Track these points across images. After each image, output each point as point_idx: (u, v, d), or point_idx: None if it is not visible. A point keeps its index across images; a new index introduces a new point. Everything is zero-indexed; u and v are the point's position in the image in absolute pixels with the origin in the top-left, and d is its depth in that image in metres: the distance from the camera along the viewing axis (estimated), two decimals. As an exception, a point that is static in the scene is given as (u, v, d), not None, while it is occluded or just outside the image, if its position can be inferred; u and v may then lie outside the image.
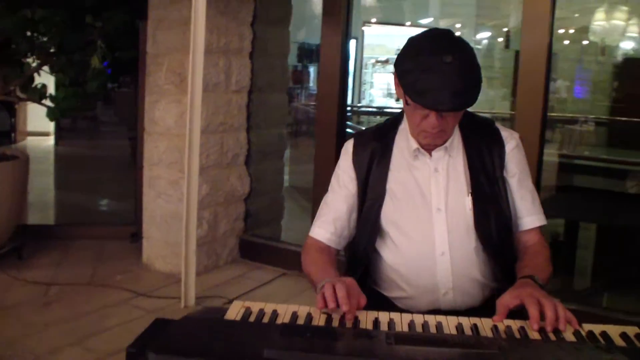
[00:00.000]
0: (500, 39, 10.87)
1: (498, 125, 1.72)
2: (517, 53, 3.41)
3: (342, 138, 3.80)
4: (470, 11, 10.48)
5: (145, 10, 3.82)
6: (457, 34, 1.61)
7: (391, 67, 11.82)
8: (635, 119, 6.36)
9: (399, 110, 1.75)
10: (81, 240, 4.41)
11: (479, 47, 11.28)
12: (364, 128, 1.94)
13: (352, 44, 9.48)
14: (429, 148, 1.63)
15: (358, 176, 1.70)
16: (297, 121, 9.44)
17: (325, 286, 1.36)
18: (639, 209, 3.98)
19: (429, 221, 1.61)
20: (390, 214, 1.65)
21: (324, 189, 1.79)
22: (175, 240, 3.69)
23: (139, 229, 4.14)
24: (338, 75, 3.78)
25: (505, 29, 10.62)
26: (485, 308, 1.57)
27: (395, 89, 1.60)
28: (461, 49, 1.48)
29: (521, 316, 1.31)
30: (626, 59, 8.03)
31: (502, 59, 9.98)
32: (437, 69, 1.44)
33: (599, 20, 7.78)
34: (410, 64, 1.49)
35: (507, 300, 1.35)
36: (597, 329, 1.26)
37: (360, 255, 1.70)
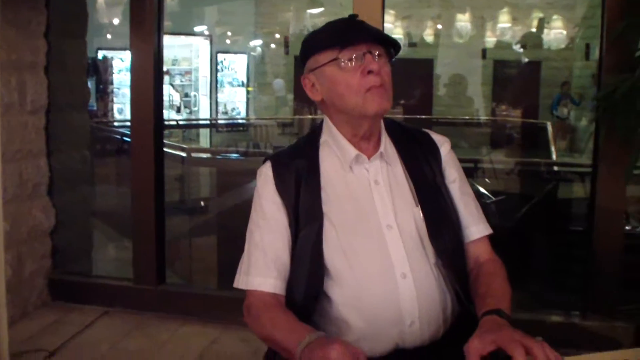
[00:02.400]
0: (274, 45, 11.15)
1: (427, 130, 1.63)
2: (296, 58, 3.48)
3: (160, 156, 3.54)
4: (246, 20, 10.61)
5: None
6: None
7: (168, 79, 11.61)
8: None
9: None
10: None
11: (254, 53, 11.47)
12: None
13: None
14: (376, 120, 1.48)
15: (286, 203, 1.45)
16: (100, 140, 8.70)
17: (330, 350, 1.12)
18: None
19: (381, 241, 1.42)
20: (333, 242, 1.41)
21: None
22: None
23: None
24: (152, 90, 3.49)
25: (278, 36, 10.90)
26: (450, 342, 1.38)
27: (312, 94, 1.50)
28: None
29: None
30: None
31: (282, 65, 10.27)
32: (345, 20, 1.44)
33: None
34: (317, 38, 1.46)
35: (478, 346, 1.16)
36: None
37: (299, 301, 1.42)
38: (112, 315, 3.49)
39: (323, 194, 1.46)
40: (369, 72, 1.40)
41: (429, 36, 10.14)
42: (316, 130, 1.57)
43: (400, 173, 1.51)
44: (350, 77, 1.41)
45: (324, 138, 1.53)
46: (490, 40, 10.80)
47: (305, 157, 1.50)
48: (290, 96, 10.71)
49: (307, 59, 1.48)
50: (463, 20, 10.15)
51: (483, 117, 10.77)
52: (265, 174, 1.50)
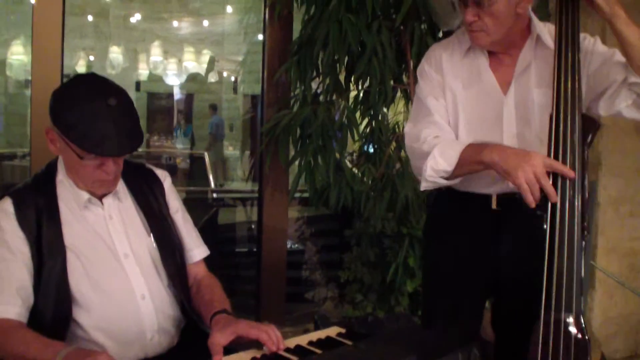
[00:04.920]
0: None
1: (150, 166, 1.80)
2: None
3: None
4: None
5: None
6: None
7: None
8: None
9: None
10: None
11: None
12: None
13: None
14: (101, 196, 1.61)
15: (28, 236, 1.54)
16: None
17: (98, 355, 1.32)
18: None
19: (121, 268, 1.61)
20: (78, 272, 1.56)
21: None
22: None
23: None
24: None
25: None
26: (182, 347, 1.71)
27: (52, 146, 1.56)
28: (118, 89, 1.53)
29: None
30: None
31: None
32: (105, 114, 1.46)
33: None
34: (74, 117, 1.46)
35: (220, 339, 1.46)
36: (304, 340, 1.54)
37: (48, 328, 1.51)
38: None
39: (65, 229, 1.57)
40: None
41: (81, 67, 9.82)
42: (52, 168, 1.65)
43: (132, 207, 1.70)
44: (82, 165, 1.54)
45: (59, 177, 1.63)
46: (143, 72, 10.93)
47: (45, 194, 1.60)
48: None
49: (55, 122, 1.53)
50: (116, 52, 10.11)
51: (140, 149, 10.81)
52: (5, 210, 1.56)
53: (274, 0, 3.22)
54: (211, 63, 10.84)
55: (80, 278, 1.56)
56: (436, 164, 1.73)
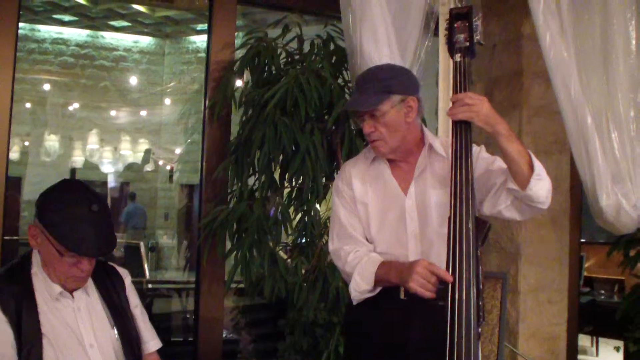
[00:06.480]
0: None
1: (112, 264, 1.98)
2: None
3: None
4: None
5: None
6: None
7: None
8: None
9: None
10: None
11: None
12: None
13: None
14: (72, 290, 1.79)
15: (10, 321, 1.69)
16: None
17: None
18: None
19: (86, 357, 1.76)
20: (50, 357, 1.70)
21: None
22: None
23: None
24: None
25: None
26: None
27: (32, 241, 1.74)
28: (99, 197, 1.76)
29: None
30: None
31: None
32: (88, 219, 1.68)
33: None
34: (59, 217, 1.67)
35: None
36: None
37: None
38: None
39: (41, 317, 1.73)
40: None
41: (15, 153, 9.77)
42: (26, 260, 1.82)
43: (97, 301, 1.87)
44: (59, 261, 1.72)
45: (34, 270, 1.80)
46: (79, 159, 10.91)
47: (21, 284, 1.76)
48: None
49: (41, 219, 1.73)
50: (52, 140, 10.13)
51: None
52: None
53: (214, 102, 3.43)
54: (147, 153, 10.95)
55: None
56: (358, 286, 2.03)
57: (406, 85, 2.05)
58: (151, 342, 1.99)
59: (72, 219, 1.66)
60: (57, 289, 1.77)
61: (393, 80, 2.03)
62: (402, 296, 2.03)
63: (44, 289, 1.77)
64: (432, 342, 1.89)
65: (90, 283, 1.86)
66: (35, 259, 1.80)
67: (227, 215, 3.20)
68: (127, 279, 1.98)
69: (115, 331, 1.84)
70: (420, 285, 1.84)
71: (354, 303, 2.09)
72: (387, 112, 1.99)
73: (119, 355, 1.84)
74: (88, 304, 1.83)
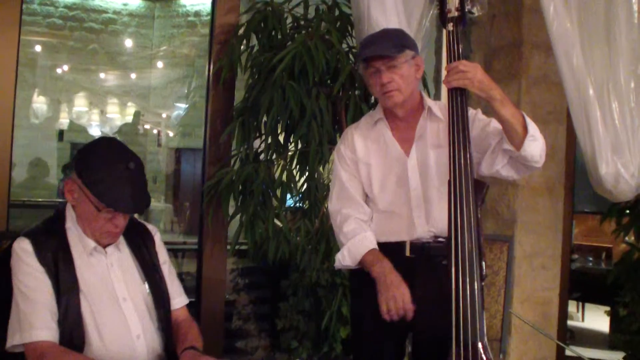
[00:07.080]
0: None
1: (142, 221, 2.01)
2: None
3: None
4: None
5: None
6: None
7: None
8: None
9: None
10: None
11: None
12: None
13: None
14: (105, 245, 1.83)
15: (48, 272, 1.72)
16: None
17: None
18: None
19: (119, 311, 1.81)
20: (85, 311, 1.76)
21: None
22: None
23: None
24: None
25: None
26: None
27: (69, 195, 1.79)
28: (135, 156, 1.80)
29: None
30: None
31: None
32: (125, 176, 1.74)
33: None
34: (98, 175, 1.73)
35: None
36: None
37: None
38: None
39: (77, 271, 1.78)
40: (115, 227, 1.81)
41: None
42: (60, 215, 1.86)
43: (129, 257, 1.93)
44: (95, 217, 1.76)
45: (68, 224, 1.84)
46: (66, 122, 10.81)
47: (56, 238, 1.80)
48: None
49: (80, 175, 1.76)
50: (40, 102, 10.02)
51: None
52: (24, 249, 1.74)
53: (220, 66, 3.44)
54: (137, 116, 10.87)
55: (86, 316, 1.76)
56: (343, 259, 2.18)
57: (415, 45, 2.20)
58: (177, 298, 2.03)
59: (111, 177, 1.71)
60: (91, 243, 1.81)
61: (405, 38, 2.18)
62: (407, 254, 2.14)
63: (79, 243, 1.80)
64: (436, 298, 2.00)
65: (121, 239, 1.89)
66: (69, 213, 1.84)
67: (233, 178, 3.24)
68: (157, 235, 2.01)
69: (147, 286, 1.89)
70: (387, 308, 2.01)
71: (335, 269, 2.32)
72: (404, 64, 2.10)
73: (150, 309, 1.89)
74: (120, 260, 1.87)
